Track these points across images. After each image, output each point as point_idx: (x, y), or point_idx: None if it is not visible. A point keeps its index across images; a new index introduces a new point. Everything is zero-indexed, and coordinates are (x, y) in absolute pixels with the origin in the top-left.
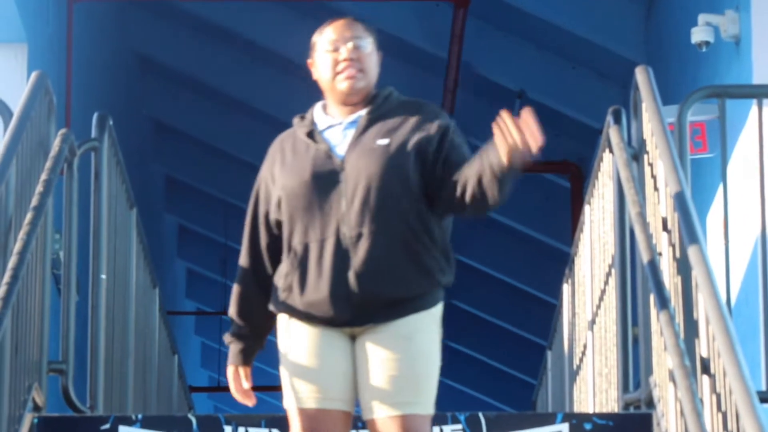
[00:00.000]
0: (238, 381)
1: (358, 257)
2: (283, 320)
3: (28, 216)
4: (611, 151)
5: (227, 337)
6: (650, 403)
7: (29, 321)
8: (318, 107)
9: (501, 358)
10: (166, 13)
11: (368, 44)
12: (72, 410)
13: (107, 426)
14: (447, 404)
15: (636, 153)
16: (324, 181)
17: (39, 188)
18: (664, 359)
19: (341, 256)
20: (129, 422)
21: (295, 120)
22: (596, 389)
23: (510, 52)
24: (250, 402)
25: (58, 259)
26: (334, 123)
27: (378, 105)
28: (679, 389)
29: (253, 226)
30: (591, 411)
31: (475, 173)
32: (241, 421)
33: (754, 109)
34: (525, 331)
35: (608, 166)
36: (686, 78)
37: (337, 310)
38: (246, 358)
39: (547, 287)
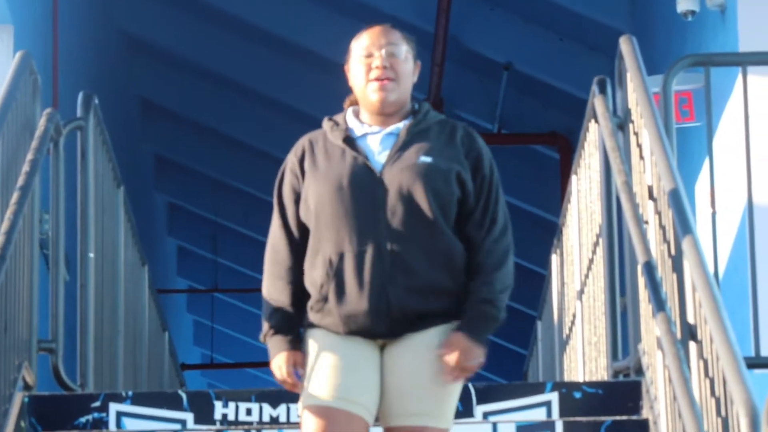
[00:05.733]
0: (290, 367)
1: (401, 271)
2: (310, 334)
3: (15, 196)
4: (597, 121)
5: (269, 335)
6: (639, 371)
7: (18, 300)
8: (350, 113)
9: None
10: None
11: (403, 52)
12: (62, 388)
13: (98, 403)
14: None
15: (621, 122)
16: (361, 190)
17: (25, 168)
18: (652, 327)
19: (382, 269)
20: (119, 399)
21: (326, 122)
22: (586, 358)
23: (497, 24)
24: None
25: (47, 239)
26: (371, 131)
27: (418, 120)
28: (666, 356)
29: (283, 214)
30: (581, 380)
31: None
32: (232, 397)
33: (741, 77)
34: (515, 302)
35: (594, 136)
36: (672, 48)
37: (376, 323)
38: (294, 344)
39: (536, 258)
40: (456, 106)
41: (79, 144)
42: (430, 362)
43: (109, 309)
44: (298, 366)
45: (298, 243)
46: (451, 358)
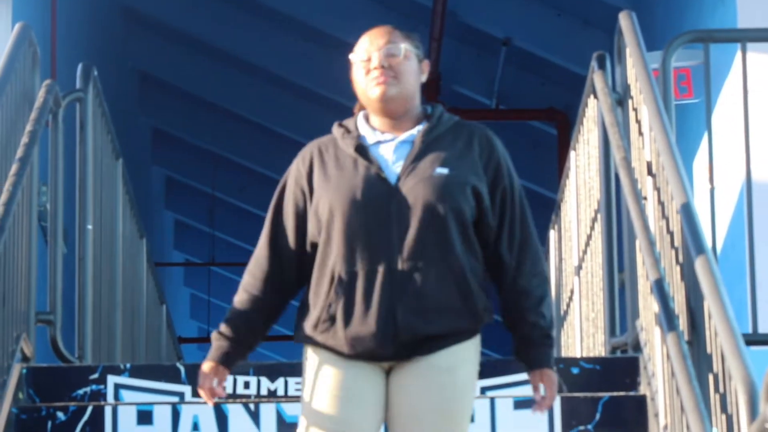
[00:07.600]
0: (210, 380)
1: (410, 293)
2: (312, 352)
3: (14, 167)
4: (596, 96)
5: (216, 335)
6: (637, 347)
7: (17, 272)
8: (361, 118)
9: None
10: None
11: (403, 50)
12: (60, 360)
13: (96, 375)
14: None
15: (620, 98)
16: (375, 204)
17: (24, 139)
18: (650, 303)
19: (393, 289)
20: (117, 371)
21: (337, 129)
22: (583, 334)
23: (495, 0)
24: (211, 402)
25: (45, 211)
26: (384, 139)
27: (432, 126)
28: (665, 332)
29: (275, 229)
30: (578, 355)
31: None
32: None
33: (739, 53)
34: None
35: (593, 111)
36: (672, 24)
37: (383, 346)
38: (230, 361)
39: None
40: (454, 82)
41: (78, 116)
42: (440, 385)
43: (107, 281)
44: (220, 382)
45: (284, 262)
46: (549, 394)
